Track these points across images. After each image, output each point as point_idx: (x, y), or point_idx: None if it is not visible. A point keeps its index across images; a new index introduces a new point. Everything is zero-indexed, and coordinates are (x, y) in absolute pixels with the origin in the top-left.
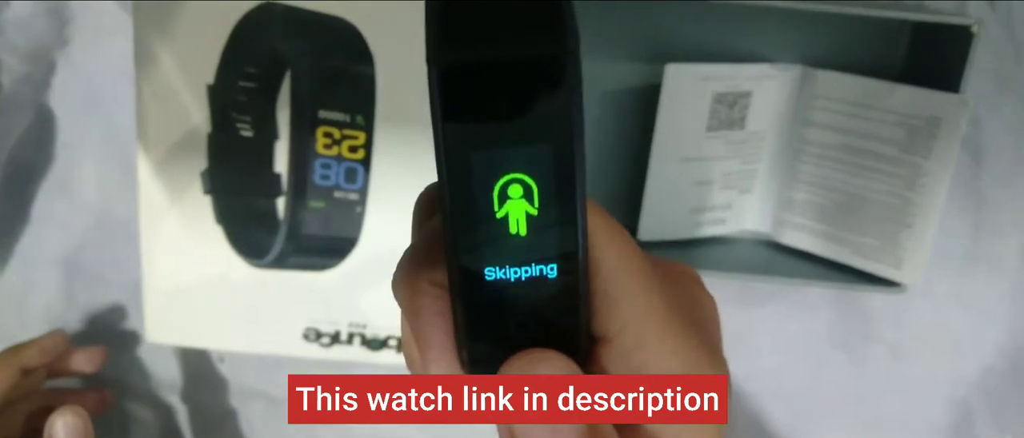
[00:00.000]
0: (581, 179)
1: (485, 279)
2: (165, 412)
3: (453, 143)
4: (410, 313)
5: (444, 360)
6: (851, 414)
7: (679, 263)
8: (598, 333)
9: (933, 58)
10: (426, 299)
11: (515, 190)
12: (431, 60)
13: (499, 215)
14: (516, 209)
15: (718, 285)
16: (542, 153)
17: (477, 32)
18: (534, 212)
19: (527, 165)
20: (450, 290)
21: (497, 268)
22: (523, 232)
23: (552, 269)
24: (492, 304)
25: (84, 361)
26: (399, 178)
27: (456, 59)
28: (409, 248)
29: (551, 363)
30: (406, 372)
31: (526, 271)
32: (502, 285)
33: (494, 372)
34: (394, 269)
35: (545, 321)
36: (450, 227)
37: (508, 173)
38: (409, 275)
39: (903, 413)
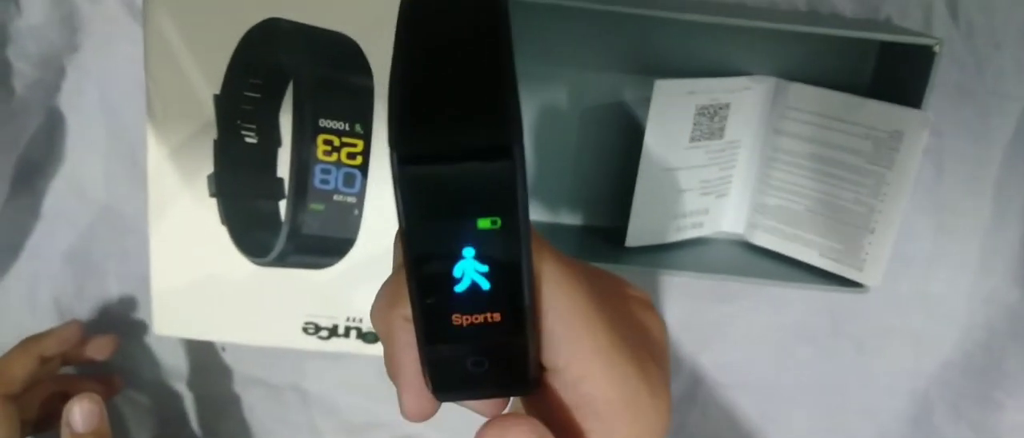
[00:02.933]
0: (526, 245)
1: (441, 324)
2: (170, 398)
3: (413, 214)
4: (385, 342)
5: (413, 384)
6: (817, 403)
7: (632, 287)
8: (548, 365)
9: (898, 75)
10: (398, 332)
11: (468, 252)
12: (392, 145)
13: (455, 273)
14: (469, 268)
15: (694, 283)
16: (492, 224)
17: (432, 125)
18: (485, 270)
19: (478, 233)
20: (415, 329)
21: (452, 316)
22: (476, 287)
23: (502, 318)
24: (449, 344)
25: (97, 349)
26: None
27: (413, 148)
28: (384, 285)
29: (519, 429)
30: None
31: (478, 319)
32: (457, 330)
33: (455, 399)
34: (372, 301)
35: (498, 359)
36: (412, 281)
37: (462, 239)
38: (383, 310)
39: (866, 403)
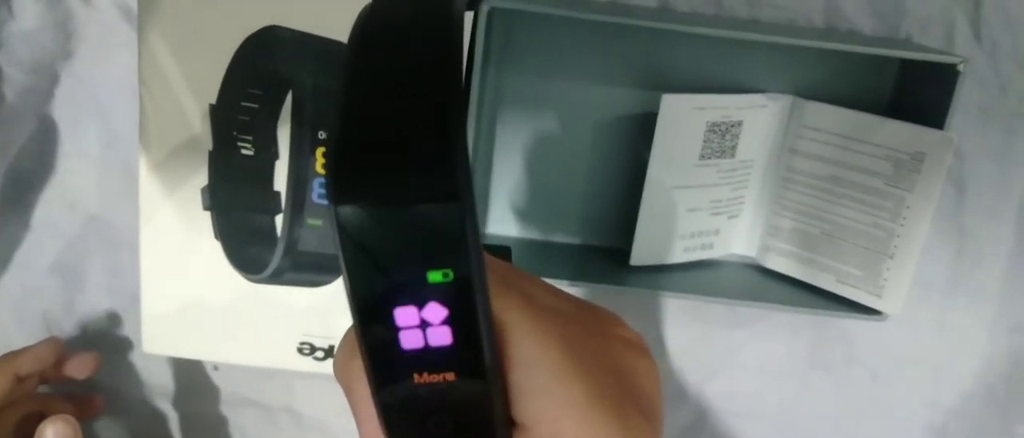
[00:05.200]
0: (482, 297)
1: (396, 383)
2: (158, 419)
3: (356, 267)
4: (347, 395)
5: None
6: (830, 435)
7: (623, 328)
8: (518, 421)
9: (919, 94)
10: (357, 384)
11: (419, 309)
12: (329, 190)
13: (404, 329)
14: (422, 323)
15: (703, 308)
16: (443, 276)
17: (373, 168)
18: (439, 326)
19: (429, 287)
20: (370, 390)
21: (408, 374)
22: (431, 345)
23: (460, 376)
24: (407, 404)
25: (76, 368)
26: None
27: (351, 193)
28: (344, 337)
29: None
30: None
31: (435, 378)
32: (414, 389)
33: None
34: (335, 351)
35: (460, 418)
36: (361, 339)
37: (411, 294)
38: (343, 362)
39: (882, 435)
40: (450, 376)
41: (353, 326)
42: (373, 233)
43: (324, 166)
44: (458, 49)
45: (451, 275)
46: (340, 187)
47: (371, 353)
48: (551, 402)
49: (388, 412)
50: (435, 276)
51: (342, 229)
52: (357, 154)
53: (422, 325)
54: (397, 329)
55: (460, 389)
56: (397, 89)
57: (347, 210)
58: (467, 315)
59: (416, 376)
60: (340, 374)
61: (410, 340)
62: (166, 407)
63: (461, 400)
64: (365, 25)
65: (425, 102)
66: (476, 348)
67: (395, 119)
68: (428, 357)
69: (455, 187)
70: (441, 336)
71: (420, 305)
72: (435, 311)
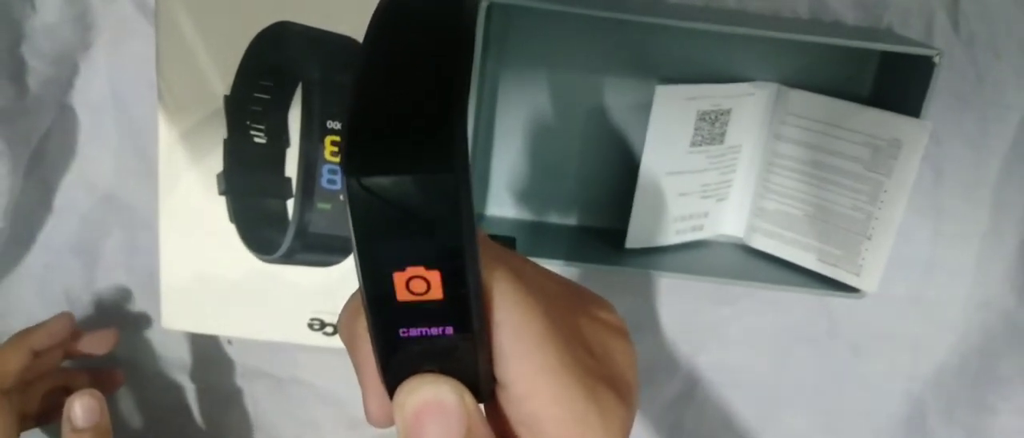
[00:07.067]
0: (472, 261)
1: (393, 336)
2: (175, 390)
3: (361, 229)
4: (350, 351)
5: (375, 391)
6: (813, 404)
7: (608, 312)
8: (499, 380)
9: (898, 83)
10: (359, 341)
11: (417, 270)
12: (343, 170)
13: (403, 288)
14: (418, 284)
15: (693, 285)
16: (439, 242)
17: (378, 141)
18: (434, 286)
19: (425, 252)
20: (370, 340)
21: (403, 329)
22: (424, 302)
23: (450, 331)
24: (402, 354)
25: (96, 343)
26: None
27: (358, 163)
28: (349, 300)
29: (436, 386)
30: None
31: (427, 332)
32: (408, 341)
33: None
34: (339, 312)
35: (449, 371)
36: (364, 296)
37: (410, 257)
38: (347, 321)
39: (861, 405)
40: (441, 331)
41: (358, 285)
42: (377, 200)
43: (336, 143)
44: (467, 36)
45: (445, 240)
46: (350, 159)
47: (372, 307)
48: (529, 365)
49: (386, 363)
50: (430, 240)
51: (351, 195)
52: (367, 129)
53: (417, 283)
54: (395, 286)
55: (449, 344)
56: (405, 71)
57: (356, 179)
58: (457, 277)
59: (411, 330)
60: (344, 333)
61: (406, 296)
62: (183, 379)
63: (450, 354)
64: (383, 12)
65: (429, 84)
66: (465, 307)
67: (402, 99)
68: (423, 313)
69: (450, 161)
70: (434, 294)
71: (416, 265)
72: (430, 271)
